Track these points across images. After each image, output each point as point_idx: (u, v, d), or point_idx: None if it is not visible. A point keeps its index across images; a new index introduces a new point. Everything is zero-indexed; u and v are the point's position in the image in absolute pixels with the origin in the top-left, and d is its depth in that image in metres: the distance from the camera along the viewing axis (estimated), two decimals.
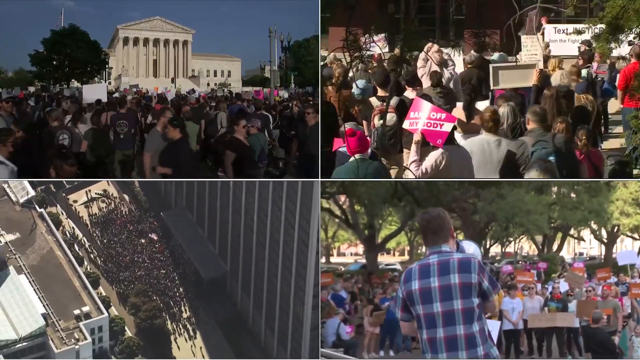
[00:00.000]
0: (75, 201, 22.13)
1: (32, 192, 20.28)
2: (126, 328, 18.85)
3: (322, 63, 14.96)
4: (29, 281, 17.85)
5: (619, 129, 14.48)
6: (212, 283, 20.53)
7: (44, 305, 17.43)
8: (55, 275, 18.54)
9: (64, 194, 22.12)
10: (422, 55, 12.51)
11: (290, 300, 18.07)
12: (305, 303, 17.31)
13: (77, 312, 17.73)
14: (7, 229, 19.41)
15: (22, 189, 20.20)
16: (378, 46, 9.25)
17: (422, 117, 8.50)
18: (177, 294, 20.30)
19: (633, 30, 9.48)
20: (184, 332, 19.49)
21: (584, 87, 12.07)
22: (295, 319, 17.97)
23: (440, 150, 8.39)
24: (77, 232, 21.28)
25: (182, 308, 20.05)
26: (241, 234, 19.82)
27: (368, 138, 8.56)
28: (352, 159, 7.85)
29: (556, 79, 12.72)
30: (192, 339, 19.34)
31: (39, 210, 20.25)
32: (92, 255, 20.74)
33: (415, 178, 8.50)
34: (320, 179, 11.33)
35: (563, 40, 19.22)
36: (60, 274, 18.63)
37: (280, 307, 18.64)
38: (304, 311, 17.44)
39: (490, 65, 12.30)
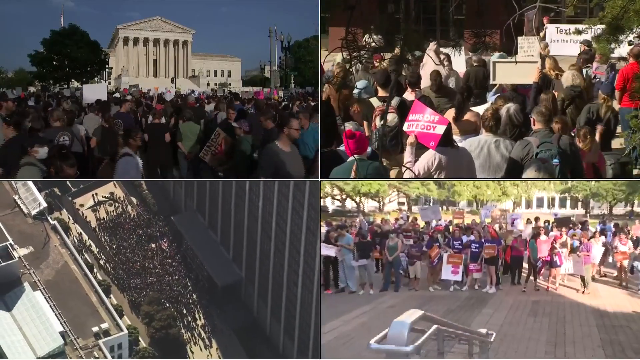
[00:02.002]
0: (82, 205, 21.61)
1: (44, 204, 19.63)
2: (140, 338, 18.39)
3: (331, 68, 14.96)
4: (45, 297, 17.28)
5: (618, 129, 14.44)
6: (226, 290, 20.04)
7: (61, 323, 16.91)
8: (71, 291, 18.03)
9: (70, 198, 21.54)
10: (425, 56, 12.52)
11: (312, 309, 17.71)
12: None
13: (95, 329, 17.24)
14: (20, 242, 18.73)
15: (34, 201, 19.50)
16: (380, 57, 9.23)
17: (421, 119, 8.54)
18: (191, 301, 19.88)
19: (633, 30, 9.47)
20: (199, 340, 19.13)
21: (609, 89, 12.01)
22: (316, 328, 17.55)
23: (432, 152, 8.41)
24: (85, 237, 20.70)
25: (197, 315, 19.62)
26: (258, 237, 19.31)
27: (367, 139, 8.56)
28: (351, 158, 7.89)
29: (568, 79, 12.63)
30: (208, 348, 18.98)
31: (52, 222, 19.59)
32: (101, 262, 20.22)
33: (415, 177, 8.50)
34: (320, 179, 11.33)
35: (565, 40, 19.15)
36: (76, 289, 18.11)
37: (300, 315, 18.29)
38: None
39: (490, 60, 12.28)
